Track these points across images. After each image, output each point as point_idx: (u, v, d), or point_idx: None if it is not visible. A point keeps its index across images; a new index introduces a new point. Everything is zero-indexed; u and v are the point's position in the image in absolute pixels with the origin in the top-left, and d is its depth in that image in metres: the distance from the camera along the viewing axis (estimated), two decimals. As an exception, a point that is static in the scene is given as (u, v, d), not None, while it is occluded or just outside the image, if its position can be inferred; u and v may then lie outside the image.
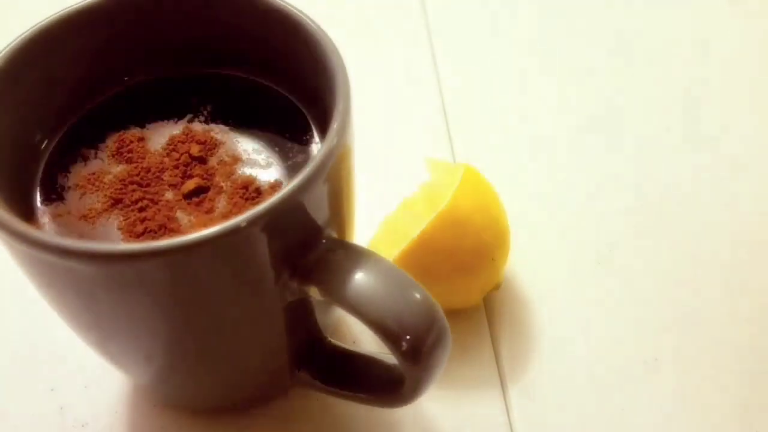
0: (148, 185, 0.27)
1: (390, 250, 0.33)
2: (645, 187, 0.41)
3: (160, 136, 0.29)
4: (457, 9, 0.52)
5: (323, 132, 0.29)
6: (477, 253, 0.33)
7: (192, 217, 0.26)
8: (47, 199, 0.27)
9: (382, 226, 0.36)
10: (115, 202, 0.26)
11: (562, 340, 0.35)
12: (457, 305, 0.34)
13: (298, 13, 0.27)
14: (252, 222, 0.22)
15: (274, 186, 0.27)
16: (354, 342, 0.35)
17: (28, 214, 0.26)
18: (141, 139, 0.28)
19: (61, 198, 0.27)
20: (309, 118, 0.29)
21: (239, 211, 0.26)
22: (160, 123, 0.29)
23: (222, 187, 0.27)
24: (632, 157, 0.43)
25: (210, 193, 0.27)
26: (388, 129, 0.44)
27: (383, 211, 0.36)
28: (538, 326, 0.35)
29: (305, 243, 0.25)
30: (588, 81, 0.48)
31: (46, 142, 0.28)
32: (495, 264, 0.33)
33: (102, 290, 0.23)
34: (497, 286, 0.35)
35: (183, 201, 0.26)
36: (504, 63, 0.49)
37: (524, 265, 0.37)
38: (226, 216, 0.26)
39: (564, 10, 0.53)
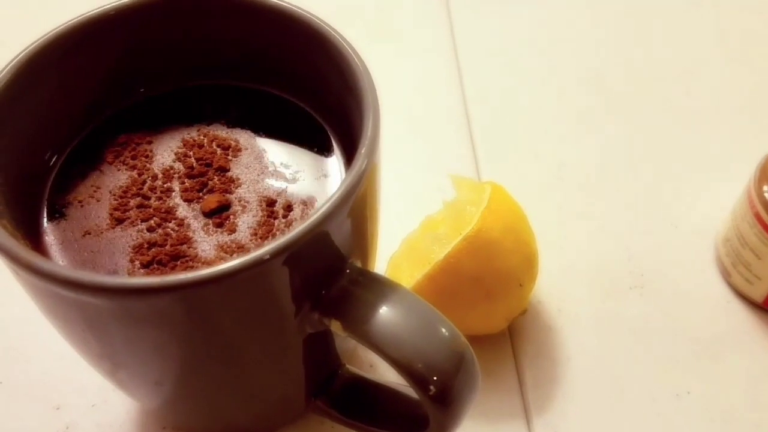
0: (159, 199, 0.25)
1: (411, 271, 0.32)
2: (679, 207, 0.40)
3: (172, 138, 0.27)
4: (484, 21, 0.51)
5: (345, 149, 0.27)
6: (504, 279, 0.31)
7: (212, 240, 0.24)
8: (53, 217, 0.25)
9: (403, 244, 0.34)
10: (119, 221, 0.25)
11: (590, 370, 0.33)
12: (481, 331, 0.33)
13: (328, 29, 0.25)
14: (275, 254, 0.20)
15: (307, 203, 0.25)
16: (371, 366, 0.33)
17: (35, 233, 0.24)
18: (149, 142, 0.27)
19: (66, 215, 0.25)
20: (330, 133, 0.28)
21: (266, 233, 0.24)
22: (173, 127, 0.28)
23: (247, 202, 0.25)
24: (665, 176, 0.41)
25: (232, 209, 0.25)
26: (410, 144, 0.43)
27: (404, 227, 0.34)
28: (564, 354, 0.34)
29: (328, 273, 0.23)
30: (618, 97, 0.46)
31: (55, 157, 0.26)
32: (522, 290, 0.32)
33: (114, 323, 0.21)
34: (523, 312, 0.33)
35: (201, 218, 0.25)
36: (531, 77, 0.47)
37: (551, 290, 0.36)
38: (252, 237, 0.24)
39: (594, 23, 0.51)
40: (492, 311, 0.32)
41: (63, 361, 0.33)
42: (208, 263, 0.23)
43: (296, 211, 0.25)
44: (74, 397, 0.32)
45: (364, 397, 0.29)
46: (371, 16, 0.52)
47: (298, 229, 0.21)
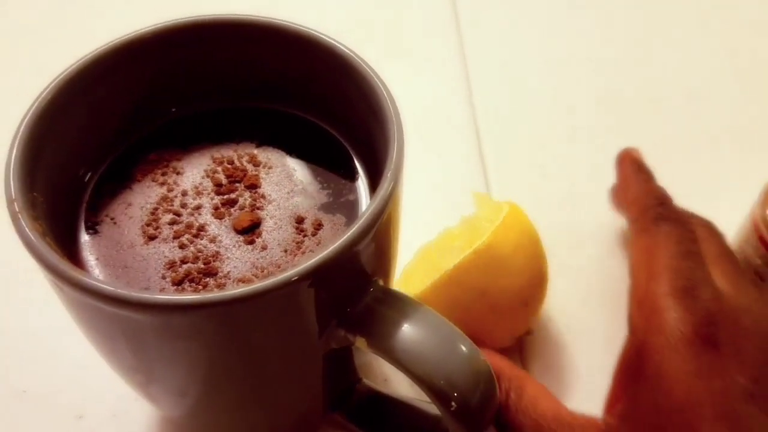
0: (191, 215, 0.26)
1: (423, 280, 0.33)
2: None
3: (202, 156, 0.28)
4: (494, 36, 0.52)
5: (368, 169, 0.28)
6: (508, 296, 0.32)
7: (244, 257, 0.25)
8: (87, 233, 0.26)
9: (418, 254, 0.35)
10: (151, 238, 0.26)
11: (599, 388, 0.34)
12: (486, 345, 0.33)
13: (353, 56, 0.26)
14: (304, 275, 0.21)
15: (335, 222, 0.26)
16: (386, 380, 0.34)
17: (72, 250, 0.25)
18: (179, 159, 0.28)
19: (99, 232, 0.26)
20: (354, 155, 0.29)
21: (296, 250, 0.25)
22: (203, 145, 0.29)
23: (278, 219, 0.26)
24: (678, 192, 0.42)
25: (263, 226, 0.26)
26: (419, 160, 0.44)
27: (420, 238, 0.35)
28: (574, 374, 0.34)
29: (354, 292, 0.24)
30: (627, 117, 0.47)
31: (89, 174, 0.27)
32: (527, 309, 0.33)
33: (152, 337, 0.22)
34: (529, 332, 0.34)
35: (233, 234, 0.26)
36: (541, 94, 0.48)
37: (561, 307, 0.36)
38: (283, 254, 0.25)
39: (605, 41, 0.52)
40: (496, 326, 0.33)
41: (85, 370, 0.34)
42: (243, 281, 0.24)
43: (326, 229, 0.26)
44: (96, 406, 0.33)
45: (381, 411, 0.30)
46: (380, 33, 0.52)
47: (326, 251, 0.22)
